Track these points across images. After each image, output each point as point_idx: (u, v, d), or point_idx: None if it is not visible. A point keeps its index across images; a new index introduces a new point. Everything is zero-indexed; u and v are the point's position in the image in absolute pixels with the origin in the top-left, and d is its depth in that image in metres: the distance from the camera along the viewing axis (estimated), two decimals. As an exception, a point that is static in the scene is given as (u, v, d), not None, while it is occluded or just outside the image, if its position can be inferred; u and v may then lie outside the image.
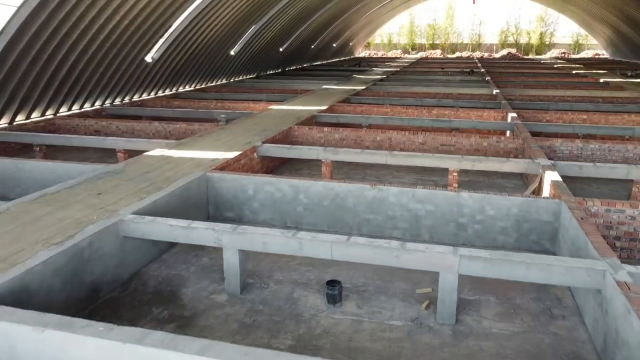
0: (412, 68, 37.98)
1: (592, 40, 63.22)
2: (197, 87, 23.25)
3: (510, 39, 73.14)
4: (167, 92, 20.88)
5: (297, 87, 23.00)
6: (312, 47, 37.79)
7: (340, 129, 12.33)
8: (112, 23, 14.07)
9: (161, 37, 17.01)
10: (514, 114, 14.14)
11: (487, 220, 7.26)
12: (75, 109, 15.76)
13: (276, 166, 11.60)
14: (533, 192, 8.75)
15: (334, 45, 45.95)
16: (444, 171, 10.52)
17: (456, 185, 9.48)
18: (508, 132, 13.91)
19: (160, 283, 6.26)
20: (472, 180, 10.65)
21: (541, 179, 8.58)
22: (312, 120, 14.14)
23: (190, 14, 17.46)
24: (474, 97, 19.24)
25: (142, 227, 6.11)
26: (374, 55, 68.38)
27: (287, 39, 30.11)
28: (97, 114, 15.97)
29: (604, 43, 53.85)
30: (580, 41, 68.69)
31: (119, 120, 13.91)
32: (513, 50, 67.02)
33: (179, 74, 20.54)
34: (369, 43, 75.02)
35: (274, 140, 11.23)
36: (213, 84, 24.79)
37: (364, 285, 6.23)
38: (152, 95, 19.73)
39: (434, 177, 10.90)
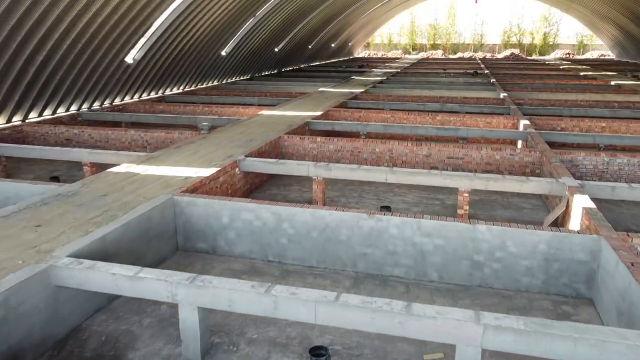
0: (413, 69, 36.68)
1: (597, 41, 61.87)
2: (186, 89, 21.93)
3: (513, 39, 71.62)
4: (153, 95, 19.54)
5: (292, 90, 21.71)
6: (310, 47, 36.48)
7: (335, 139, 11.04)
8: (85, 19, 12.74)
9: (142, 35, 15.69)
10: (526, 121, 12.88)
11: (509, 259, 6.00)
12: (48, 114, 14.46)
13: (263, 181, 10.33)
14: (557, 220, 7.48)
15: (332, 45, 44.62)
16: (453, 189, 9.27)
17: (467, 207, 8.21)
18: (520, 142, 12.66)
19: (102, 344, 4.99)
20: (483, 200, 9.38)
21: (568, 203, 7.31)
22: (304, 128, 12.86)
23: (174, 10, 16.14)
24: (480, 100, 17.97)
25: (77, 274, 4.84)
26: (374, 56, 67.01)
27: (283, 38, 28.80)
28: (72, 120, 14.70)
29: (609, 43, 52.54)
30: (584, 42, 67.24)
31: (92, 128, 12.60)
32: (516, 51, 65.59)
33: (164, 75, 19.21)
34: (368, 43, 73.60)
35: (259, 153, 9.96)
36: (203, 86, 23.49)
37: (358, 347, 4.96)
38: (136, 98, 18.41)
39: (440, 195, 9.63)
